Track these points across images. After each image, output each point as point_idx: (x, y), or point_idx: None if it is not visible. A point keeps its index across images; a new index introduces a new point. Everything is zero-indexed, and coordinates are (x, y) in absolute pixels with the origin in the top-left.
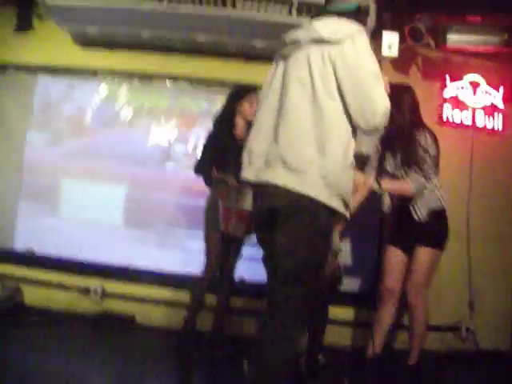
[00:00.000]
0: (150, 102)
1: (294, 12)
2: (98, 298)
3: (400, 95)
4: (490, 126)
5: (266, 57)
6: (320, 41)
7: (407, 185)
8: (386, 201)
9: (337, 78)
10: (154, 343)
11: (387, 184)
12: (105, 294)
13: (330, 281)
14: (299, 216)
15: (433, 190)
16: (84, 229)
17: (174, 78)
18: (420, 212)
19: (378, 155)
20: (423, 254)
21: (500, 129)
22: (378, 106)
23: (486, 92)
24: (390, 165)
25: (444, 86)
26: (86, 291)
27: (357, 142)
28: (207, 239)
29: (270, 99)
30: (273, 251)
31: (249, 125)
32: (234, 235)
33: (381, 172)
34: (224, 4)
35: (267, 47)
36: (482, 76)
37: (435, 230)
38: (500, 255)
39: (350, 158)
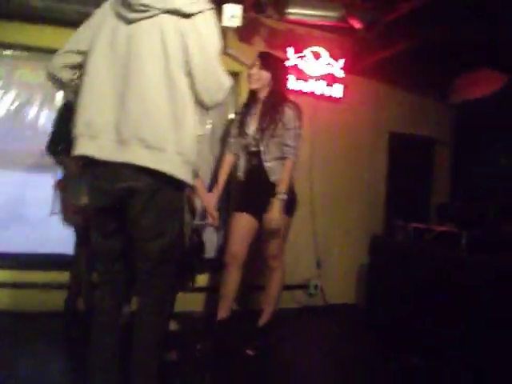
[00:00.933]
0: None
1: None
2: None
3: (274, 63)
4: (330, 94)
5: None
6: (174, 12)
7: (291, 163)
8: (241, 168)
9: (186, 52)
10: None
11: (284, 186)
12: None
13: (193, 251)
14: (162, 196)
15: None
16: None
17: (11, 47)
18: (274, 175)
19: (240, 116)
20: None
21: (340, 97)
22: (223, 82)
23: (327, 63)
24: (251, 128)
25: (287, 56)
26: None
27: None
28: None
29: (113, 65)
30: (137, 235)
31: None
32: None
33: (241, 134)
34: None
35: None
36: (324, 47)
37: (288, 198)
38: (342, 217)
39: (199, 132)
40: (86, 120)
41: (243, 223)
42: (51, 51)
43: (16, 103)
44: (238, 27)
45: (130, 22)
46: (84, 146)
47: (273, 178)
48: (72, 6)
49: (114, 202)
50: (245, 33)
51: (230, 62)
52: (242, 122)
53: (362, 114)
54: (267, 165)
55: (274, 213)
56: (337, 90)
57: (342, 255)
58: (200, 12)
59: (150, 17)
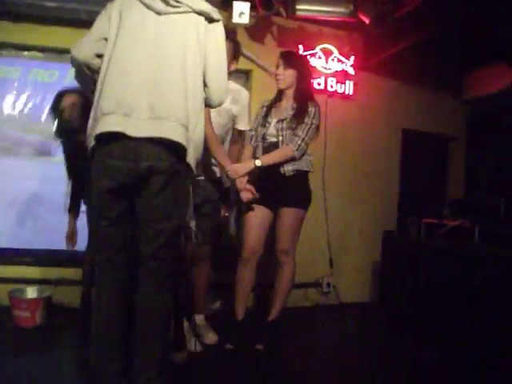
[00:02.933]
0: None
1: None
2: None
3: (298, 61)
4: (342, 92)
5: None
6: (203, 14)
7: (288, 150)
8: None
9: (205, 51)
10: None
11: (267, 159)
12: None
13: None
14: (178, 179)
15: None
16: None
17: (25, 48)
18: (287, 168)
19: (265, 109)
20: (289, 213)
21: (351, 93)
22: (227, 85)
23: (338, 60)
24: (273, 119)
25: None
26: None
27: None
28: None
29: (142, 50)
30: (147, 216)
31: None
32: None
33: (263, 124)
34: None
35: None
36: (335, 44)
37: (300, 191)
38: (355, 215)
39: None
40: (116, 98)
41: (260, 217)
42: (64, 51)
43: (30, 102)
44: (248, 26)
45: (160, 13)
46: (115, 123)
47: (285, 168)
48: (85, 6)
49: (133, 182)
50: (255, 31)
51: (241, 60)
52: (266, 114)
53: (375, 111)
54: None
55: (239, 165)
56: (348, 87)
57: (356, 253)
58: (220, 20)
59: (179, 13)
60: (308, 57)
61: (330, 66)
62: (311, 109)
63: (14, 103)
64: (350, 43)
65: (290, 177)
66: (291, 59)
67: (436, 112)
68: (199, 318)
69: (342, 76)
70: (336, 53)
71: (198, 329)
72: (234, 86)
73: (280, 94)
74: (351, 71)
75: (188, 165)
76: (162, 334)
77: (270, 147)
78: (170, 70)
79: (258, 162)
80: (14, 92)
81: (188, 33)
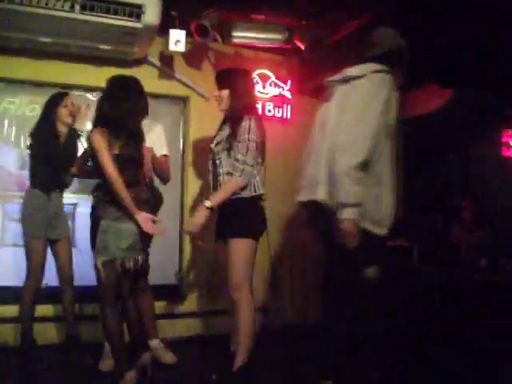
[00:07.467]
0: None
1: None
2: None
3: (230, 78)
4: (279, 115)
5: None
6: None
7: (233, 181)
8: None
9: None
10: None
11: (216, 198)
12: None
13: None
14: None
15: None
16: None
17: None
18: None
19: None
20: (232, 244)
21: (289, 117)
22: None
23: (275, 84)
24: (213, 143)
25: None
26: None
27: None
28: (30, 248)
29: None
30: None
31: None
32: None
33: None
34: None
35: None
36: (271, 69)
37: (243, 219)
38: (296, 236)
39: None
40: None
41: (221, 251)
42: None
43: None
44: (185, 52)
45: None
46: None
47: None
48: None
49: None
50: (192, 57)
51: (178, 86)
52: (211, 142)
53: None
54: (220, 179)
55: (193, 217)
56: (286, 111)
57: (294, 275)
58: None
59: None
60: None
61: (268, 91)
62: (244, 123)
63: None
64: (286, 68)
65: (229, 204)
66: (222, 79)
67: None
68: (154, 342)
69: (279, 100)
70: (273, 77)
71: (156, 352)
72: (146, 121)
73: (225, 118)
74: (288, 95)
75: None
76: None
77: (216, 176)
78: None
79: (208, 204)
80: None
81: None
